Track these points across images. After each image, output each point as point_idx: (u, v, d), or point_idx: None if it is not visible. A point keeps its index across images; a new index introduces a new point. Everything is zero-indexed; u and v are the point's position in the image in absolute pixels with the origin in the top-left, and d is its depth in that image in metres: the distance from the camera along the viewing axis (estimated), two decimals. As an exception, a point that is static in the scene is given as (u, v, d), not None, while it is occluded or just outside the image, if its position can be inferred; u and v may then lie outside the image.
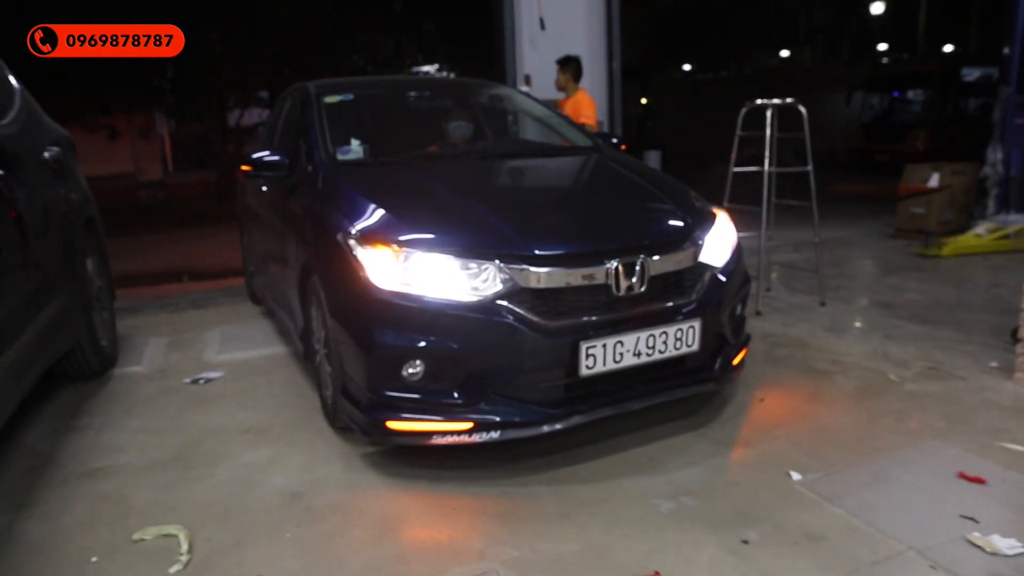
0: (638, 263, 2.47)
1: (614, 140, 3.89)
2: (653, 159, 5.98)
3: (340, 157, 3.29)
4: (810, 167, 4.56)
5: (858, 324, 4.21)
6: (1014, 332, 3.30)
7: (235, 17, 14.89)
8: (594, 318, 2.41)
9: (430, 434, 2.39)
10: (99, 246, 3.90)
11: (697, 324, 2.57)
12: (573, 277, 2.40)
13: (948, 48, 23.24)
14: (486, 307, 2.32)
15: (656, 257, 2.53)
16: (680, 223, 2.77)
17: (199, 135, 22.33)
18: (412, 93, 4.30)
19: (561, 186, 3.28)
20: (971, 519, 2.10)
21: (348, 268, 2.47)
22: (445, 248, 2.40)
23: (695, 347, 2.59)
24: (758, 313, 4.40)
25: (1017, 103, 6.37)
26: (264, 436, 2.91)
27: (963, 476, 2.35)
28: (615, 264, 2.43)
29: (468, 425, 2.36)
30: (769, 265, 5.17)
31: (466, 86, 4.32)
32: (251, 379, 3.58)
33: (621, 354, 2.43)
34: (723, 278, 2.74)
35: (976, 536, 2.00)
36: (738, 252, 2.94)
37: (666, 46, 28.28)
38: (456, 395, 2.37)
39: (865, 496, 2.26)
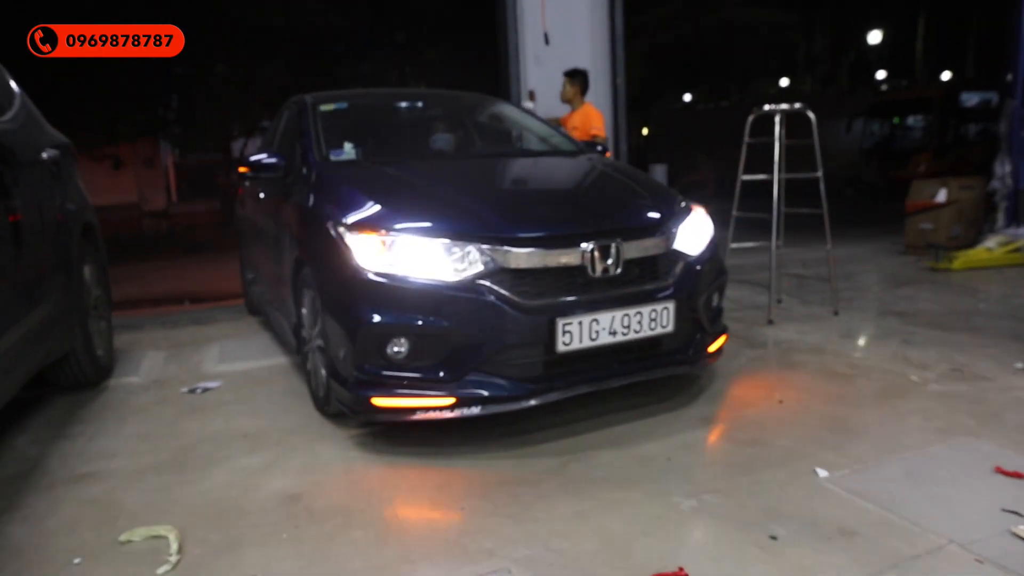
0: (613, 246, 2.57)
1: (599, 148, 3.96)
2: (659, 173, 5.92)
3: (333, 158, 3.38)
4: (820, 173, 4.49)
5: (874, 331, 4.09)
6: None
7: (241, 49, 15.10)
8: (571, 298, 2.51)
9: (413, 410, 2.47)
10: (97, 256, 3.81)
11: (671, 306, 2.66)
12: (551, 258, 2.50)
13: (946, 75, 23.41)
14: (467, 286, 2.43)
15: (630, 242, 2.64)
16: (655, 213, 2.88)
17: (204, 165, 22.45)
18: (404, 103, 4.39)
19: (542, 179, 3.44)
20: (1015, 512, 1.97)
21: (338, 253, 2.57)
22: (429, 231, 2.51)
23: (669, 328, 2.67)
24: (770, 322, 4.29)
25: (1023, 116, 6.33)
26: (262, 441, 2.79)
27: (1000, 471, 2.22)
28: (591, 247, 2.54)
29: (450, 401, 2.44)
30: (779, 277, 5.07)
31: (456, 98, 4.42)
32: (250, 388, 3.47)
33: (597, 332, 2.52)
34: (697, 266, 2.83)
35: (1023, 529, 1.87)
36: (714, 244, 3.01)
37: (666, 77, 28.60)
38: (439, 372, 2.45)
39: (898, 492, 2.13)
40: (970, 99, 15.95)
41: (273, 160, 3.35)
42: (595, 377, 2.60)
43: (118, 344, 4.25)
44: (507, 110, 4.33)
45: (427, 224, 2.54)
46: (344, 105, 3.91)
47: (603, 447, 2.56)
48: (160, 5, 10.77)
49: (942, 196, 6.79)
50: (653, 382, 3.24)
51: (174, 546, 2.00)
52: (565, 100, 5.38)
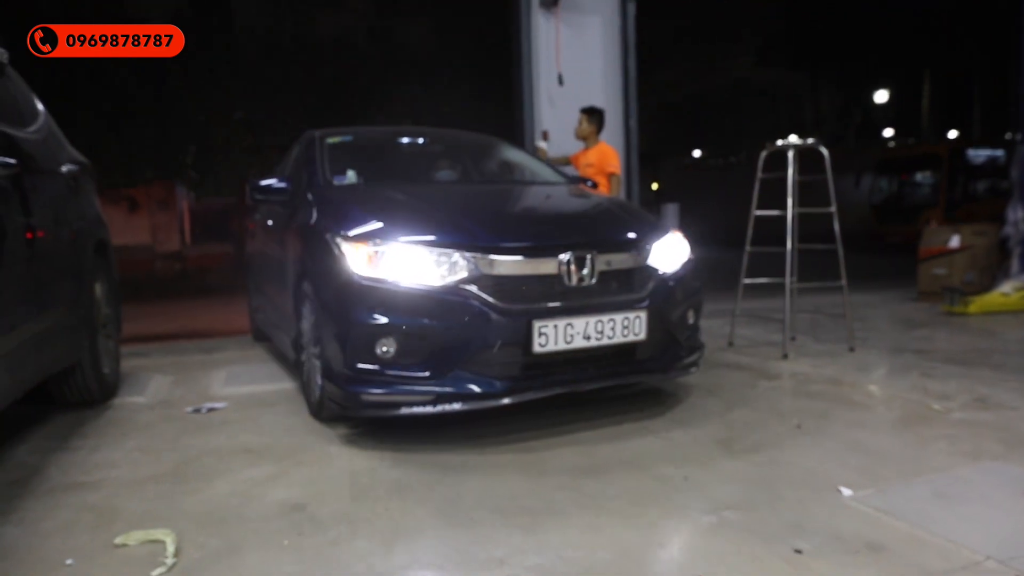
0: (588, 258, 2.74)
1: (588, 183, 4.21)
2: (671, 212, 5.93)
3: (336, 183, 3.56)
4: (833, 208, 4.49)
5: (892, 366, 4.01)
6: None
7: (259, 100, 15.52)
8: (548, 304, 2.68)
9: (399, 404, 2.62)
10: (109, 274, 3.81)
11: (644, 315, 2.80)
12: (530, 267, 2.69)
13: (952, 133, 23.69)
14: (451, 290, 2.60)
15: (605, 255, 2.81)
16: (631, 232, 3.06)
17: (219, 208, 22.76)
18: (405, 139, 4.55)
19: (528, 201, 3.64)
20: (1052, 530, 1.87)
21: (334, 261, 2.75)
22: (418, 240, 2.69)
23: (642, 336, 2.80)
24: (785, 357, 4.21)
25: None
26: (266, 455, 2.72)
27: (1034, 493, 2.12)
28: (568, 257, 2.71)
29: (433, 396, 2.60)
30: (793, 314, 5.01)
31: (456, 136, 4.62)
32: (256, 409, 3.41)
33: (572, 335, 2.67)
34: (671, 282, 3.00)
35: (1062, 546, 1.78)
36: (689, 264, 3.15)
37: (675, 133, 29.08)
38: (424, 370, 2.61)
39: (928, 510, 2.04)
40: (978, 156, 16.11)
41: (282, 184, 3.56)
42: (570, 379, 2.74)
43: (125, 369, 4.21)
44: (504, 148, 4.49)
45: (416, 234, 2.72)
46: (349, 138, 4.16)
47: (617, 467, 2.48)
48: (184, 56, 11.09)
49: (955, 242, 6.76)
50: (668, 406, 3.19)
51: (171, 549, 1.92)
52: (580, 136, 5.40)
